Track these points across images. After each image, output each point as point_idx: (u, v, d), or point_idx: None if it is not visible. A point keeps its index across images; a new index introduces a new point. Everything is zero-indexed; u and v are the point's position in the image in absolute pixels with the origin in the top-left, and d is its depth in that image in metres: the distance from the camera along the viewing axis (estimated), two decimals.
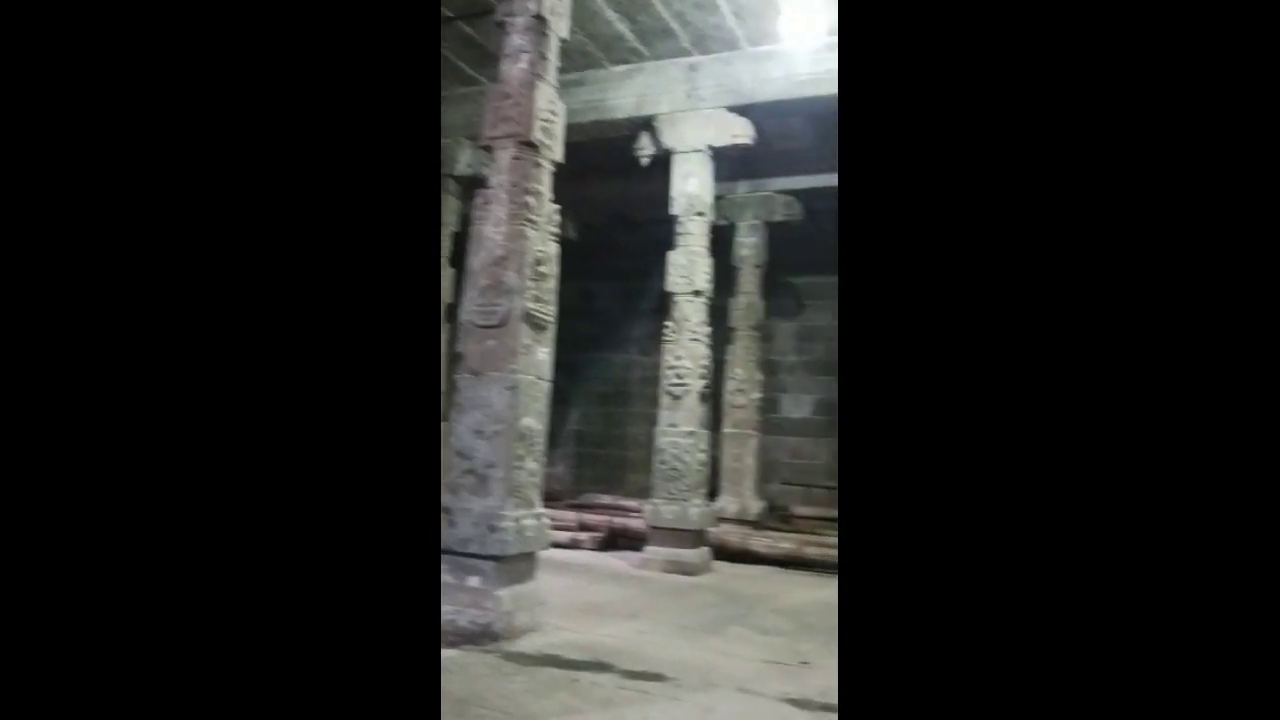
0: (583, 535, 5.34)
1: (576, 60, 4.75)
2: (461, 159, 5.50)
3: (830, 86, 4.38)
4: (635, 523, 5.20)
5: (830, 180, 5.83)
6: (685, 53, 4.68)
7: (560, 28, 3.11)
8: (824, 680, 2.35)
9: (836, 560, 4.87)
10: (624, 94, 4.88)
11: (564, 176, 3.16)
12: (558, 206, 3.05)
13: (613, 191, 6.39)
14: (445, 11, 4.29)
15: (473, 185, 3.76)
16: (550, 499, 6.04)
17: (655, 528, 4.60)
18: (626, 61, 4.83)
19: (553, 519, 3.90)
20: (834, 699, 2.17)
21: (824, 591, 4.21)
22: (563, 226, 3.18)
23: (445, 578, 2.70)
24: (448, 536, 2.72)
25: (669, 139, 4.77)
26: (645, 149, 4.91)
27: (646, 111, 4.82)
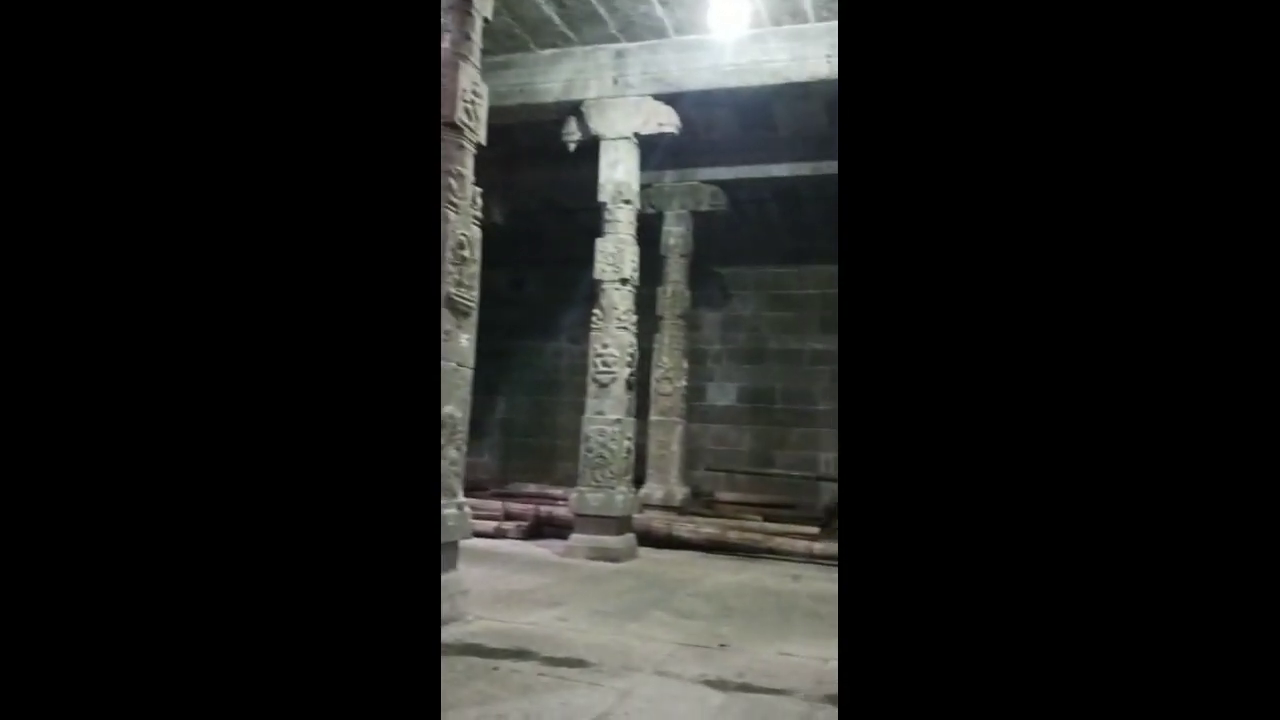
0: (508, 524, 5.30)
1: (503, 42, 4.67)
2: None
3: (755, 78, 4.45)
4: (561, 511, 5.20)
5: (754, 171, 5.93)
6: (613, 39, 4.66)
7: (484, 7, 3.04)
8: (741, 661, 2.40)
9: (757, 544, 5.00)
10: (552, 78, 4.83)
11: (492, 161, 3.10)
12: (481, 190, 3.00)
13: (543, 178, 6.33)
14: None
15: None
16: (476, 488, 5.98)
17: (581, 515, 4.61)
18: (555, 46, 4.78)
19: (477, 508, 3.86)
20: (750, 679, 2.22)
21: (744, 575, 4.30)
22: (488, 211, 3.13)
23: None
24: None
25: (597, 125, 4.75)
26: (573, 134, 4.88)
27: (575, 96, 4.78)
